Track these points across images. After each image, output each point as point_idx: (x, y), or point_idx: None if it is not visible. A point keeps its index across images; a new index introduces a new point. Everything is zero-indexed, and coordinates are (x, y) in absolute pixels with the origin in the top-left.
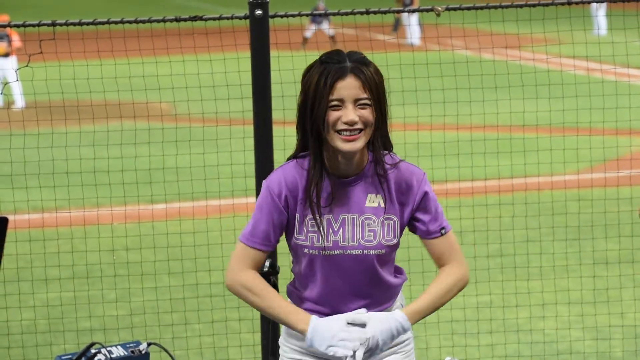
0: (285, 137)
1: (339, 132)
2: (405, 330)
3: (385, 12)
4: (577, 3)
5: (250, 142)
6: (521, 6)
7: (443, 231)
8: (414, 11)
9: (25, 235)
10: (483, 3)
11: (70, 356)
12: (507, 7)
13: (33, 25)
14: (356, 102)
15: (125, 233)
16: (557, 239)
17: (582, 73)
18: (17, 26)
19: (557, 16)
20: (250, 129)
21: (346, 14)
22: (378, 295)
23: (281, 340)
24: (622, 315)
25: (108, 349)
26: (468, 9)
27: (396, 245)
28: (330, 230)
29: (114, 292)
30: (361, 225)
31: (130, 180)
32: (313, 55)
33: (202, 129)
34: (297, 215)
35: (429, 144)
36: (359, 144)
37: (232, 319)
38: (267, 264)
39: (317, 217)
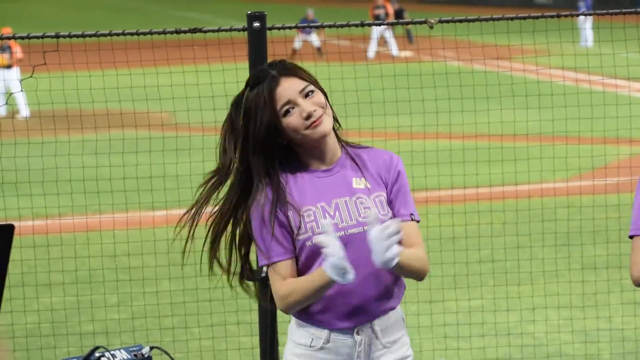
0: None
1: (306, 127)
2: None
3: (379, 25)
4: (565, 16)
5: None
6: (512, 19)
7: (412, 217)
8: (408, 23)
9: (30, 241)
10: (475, 16)
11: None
12: (498, 19)
13: (37, 37)
14: (301, 94)
15: (127, 239)
16: (546, 245)
17: (571, 84)
18: (22, 38)
19: (547, 28)
20: None
21: (342, 26)
22: (385, 287)
23: (288, 346)
24: (609, 318)
25: (111, 352)
26: (460, 21)
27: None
28: (327, 215)
29: (115, 296)
30: (355, 204)
31: (131, 188)
32: (308, 66)
33: (202, 137)
34: (291, 215)
35: (422, 153)
36: (327, 123)
37: (231, 322)
38: (264, 269)
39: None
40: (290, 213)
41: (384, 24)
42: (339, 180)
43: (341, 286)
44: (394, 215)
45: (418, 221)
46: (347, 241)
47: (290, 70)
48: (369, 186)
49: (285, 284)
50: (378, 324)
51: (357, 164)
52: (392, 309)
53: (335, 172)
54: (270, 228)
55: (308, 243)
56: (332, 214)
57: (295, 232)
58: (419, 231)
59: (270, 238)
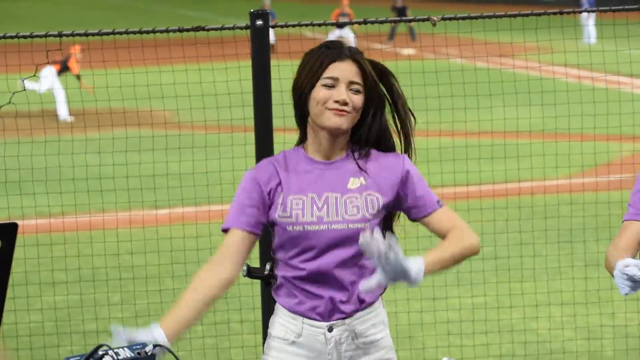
0: (285, 144)
1: (330, 108)
2: (414, 281)
3: (382, 22)
4: (568, 13)
5: (251, 149)
6: (514, 16)
7: (440, 203)
8: (411, 20)
9: (33, 239)
10: (477, 13)
11: (78, 358)
12: (500, 16)
13: (40, 36)
14: (349, 85)
15: (130, 237)
16: (549, 242)
17: (573, 80)
18: (25, 37)
19: (550, 25)
20: (251, 135)
21: (344, 24)
22: (354, 284)
23: (267, 339)
24: (613, 315)
25: (115, 350)
26: (463, 18)
27: (380, 223)
28: (315, 206)
29: (118, 294)
30: (344, 203)
31: (134, 186)
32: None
33: (205, 136)
34: (282, 195)
35: (425, 150)
36: (345, 124)
37: (234, 320)
38: (267, 267)
39: (293, 197)
40: (283, 193)
41: (385, 22)
42: (335, 176)
43: (313, 277)
44: (421, 212)
45: (445, 204)
46: (327, 235)
47: (361, 60)
48: (364, 183)
49: (215, 259)
50: (352, 322)
51: (359, 166)
52: (367, 306)
53: (334, 167)
54: (255, 194)
55: (289, 228)
56: (320, 206)
57: (278, 210)
58: (450, 210)
59: (249, 201)
